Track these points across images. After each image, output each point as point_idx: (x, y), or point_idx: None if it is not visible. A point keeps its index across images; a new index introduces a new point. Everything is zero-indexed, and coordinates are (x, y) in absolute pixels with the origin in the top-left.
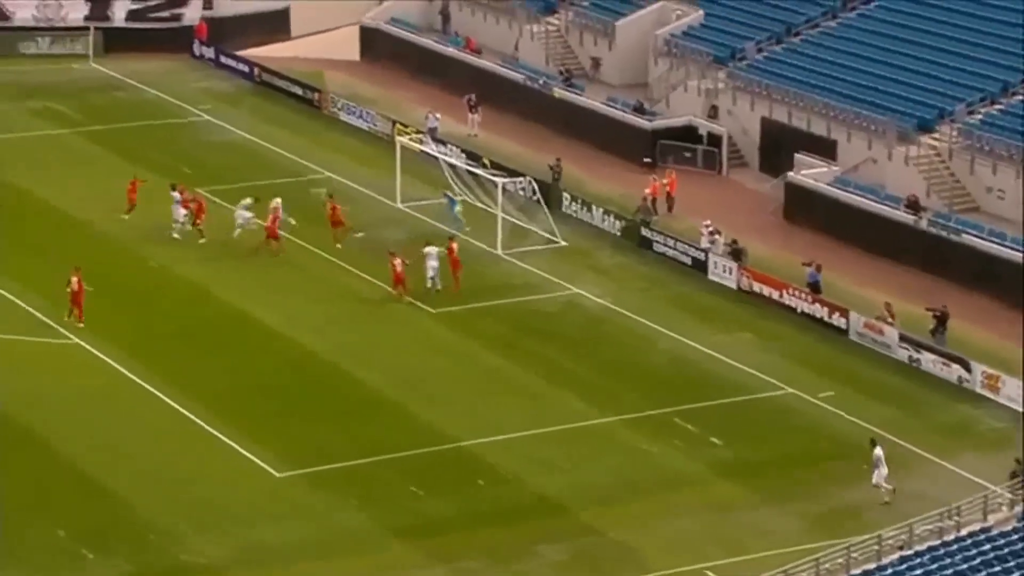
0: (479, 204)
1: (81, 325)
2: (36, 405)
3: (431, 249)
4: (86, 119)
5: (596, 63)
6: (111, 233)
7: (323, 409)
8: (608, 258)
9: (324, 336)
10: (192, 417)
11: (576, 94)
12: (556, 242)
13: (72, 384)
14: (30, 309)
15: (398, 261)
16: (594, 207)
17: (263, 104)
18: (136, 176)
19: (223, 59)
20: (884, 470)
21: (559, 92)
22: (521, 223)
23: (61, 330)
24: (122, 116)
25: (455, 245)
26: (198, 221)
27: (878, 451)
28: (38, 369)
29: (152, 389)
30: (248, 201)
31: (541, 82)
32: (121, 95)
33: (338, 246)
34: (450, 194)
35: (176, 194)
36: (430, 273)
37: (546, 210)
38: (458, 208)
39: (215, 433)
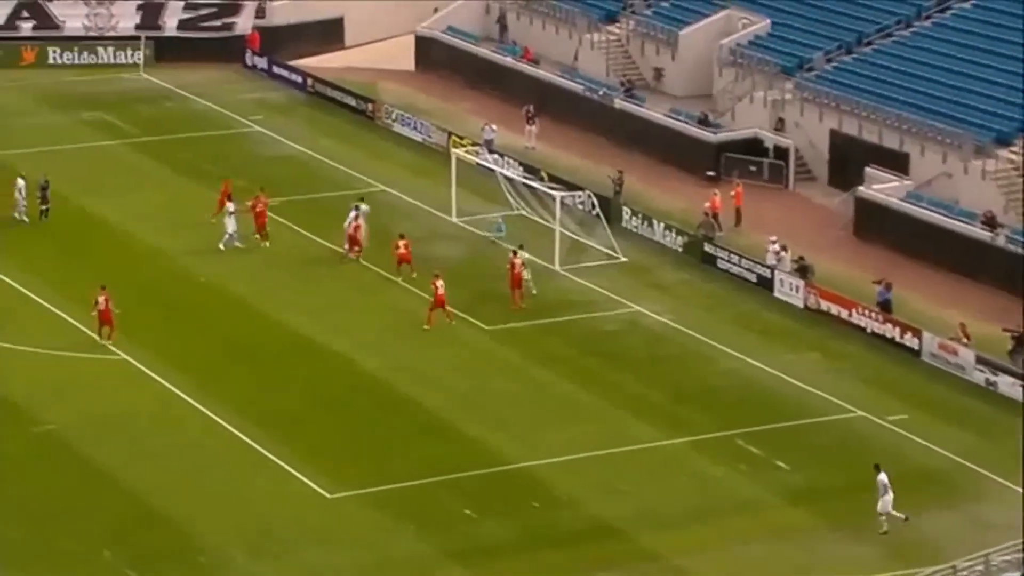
0: (536, 218)
1: (110, 342)
2: (83, 424)
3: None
4: (136, 130)
5: (658, 73)
6: (161, 247)
7: (377, 429)
8: (670, 275)
9: (379, 354)
10: (242, 436)
11: (638, 105)
12: (616, 258)
13: (120, 402)
14: (77, 324)
15: (440, 283)
16: (655, 222)
17: (316, 115)
18: (226, 179)
19: (275, 69)
20: (890, 496)
21: (620, 103)
22: (580, 238)
23: (109, 346)
24: (173, 127)
25: (518, 260)
26: (261, 228)
27: (882, 477)
28: (86, 387)
29: (202, 407)
30: (364, 208)
31: (601, 93)
32: (172, 106)
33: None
34: (501, 223)
35: (231, 205)
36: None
37: (606, 225)
38: (502, 232)
39: (266, 453)
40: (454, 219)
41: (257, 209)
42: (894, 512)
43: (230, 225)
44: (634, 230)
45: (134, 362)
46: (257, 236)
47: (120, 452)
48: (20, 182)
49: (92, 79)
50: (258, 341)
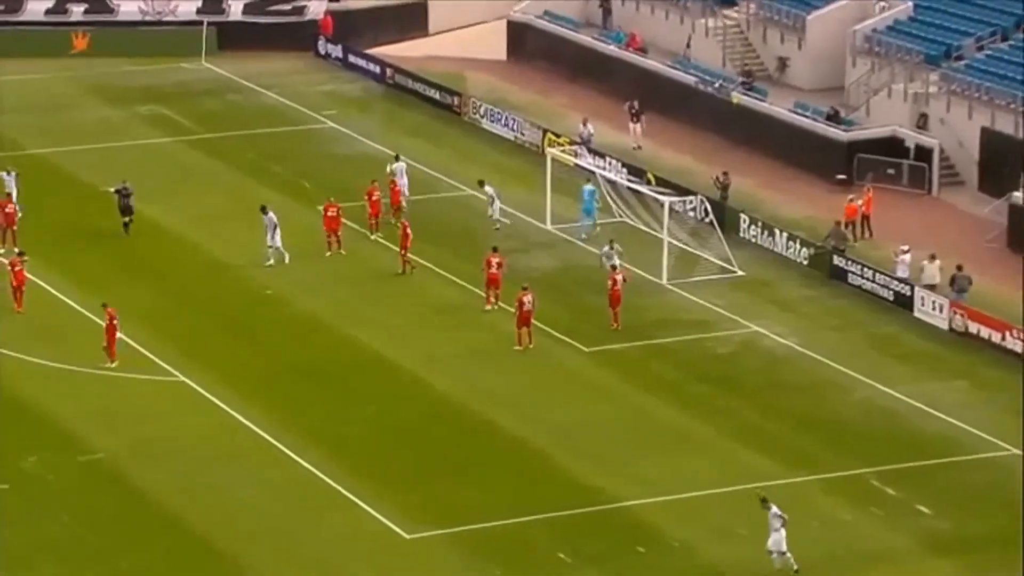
0: (642, 227)
1: (113, 364)
2: (135, 451)
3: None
4: (196, 126)
5: (783, 63)
6: (223, 257)
7: (460, 461)
8: (794, 291)
9: (463, 377)
10: (310, 467)
11: (758, 100)
12: (732, 272)
13: (176, 428)
14: (130, 341)
15: (528, 298)
16: (777, 231)
17: (395, 110)
18: (330, 200)
19: (351, 58)
20: (783, 534)
21: (738, 97)
22: (691, 249)
23: (165, 366)
24: (236, 123)
25: (618, 276)
26: (333, 237)
27: (775, 510)
28: (139, 411)
29: (265, 434)
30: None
31: (717, 85)
32: (236, 99)
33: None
34: (592, 187)
35: (272, 216)
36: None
37: (720, 234)
38: (596, 205)
39: (336, 486)
40: (549, 227)
41: (329, 214)
42: (788, 554)
43: (276, 239)
44: (752, 240)
45: (191, 384)
46: (332, 244)
47: (175, 483)
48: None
49: (149, 69)
50: (328, 361)
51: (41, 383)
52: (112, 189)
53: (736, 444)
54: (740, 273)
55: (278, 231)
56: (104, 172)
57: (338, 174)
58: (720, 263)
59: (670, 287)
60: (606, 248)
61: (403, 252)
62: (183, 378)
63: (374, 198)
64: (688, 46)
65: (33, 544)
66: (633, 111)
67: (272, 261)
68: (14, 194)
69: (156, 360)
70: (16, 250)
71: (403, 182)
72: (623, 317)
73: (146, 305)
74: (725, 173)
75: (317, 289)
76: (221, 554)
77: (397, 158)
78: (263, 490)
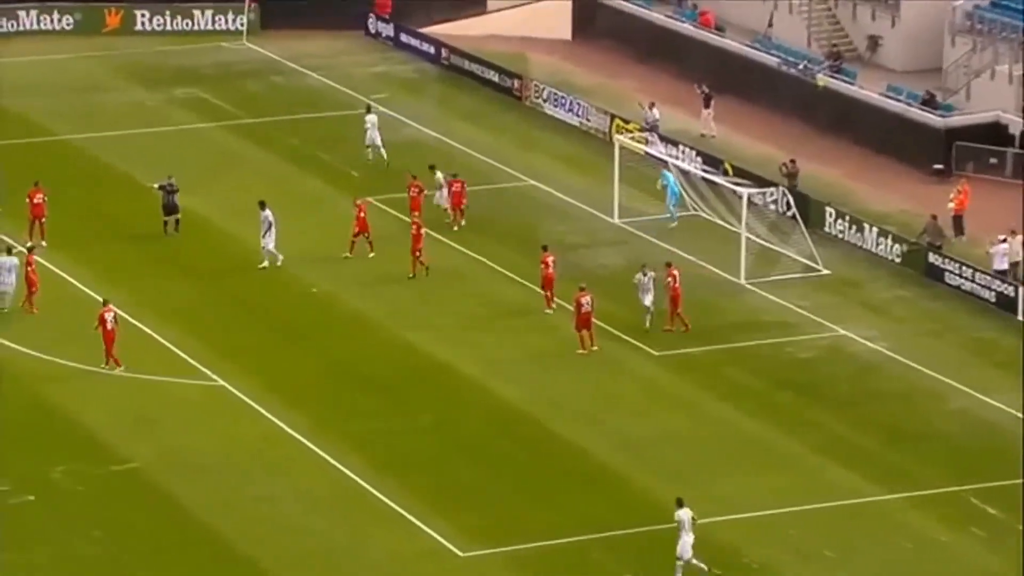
0: (718, 221)
1: (121, 369)
2: (171, 462)
3: (643, 277)
4: (237, 110)
5: (874, 43)
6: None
7: (520, 475)
8: (884, 291)
9: (522, 383)
10: (358, 480)
11: (847, 82)
12: (816, 270)
13: (215, 436)
14: (165, 342)
15: (587, 299)
16: (867, 226)
17: (451, 93)
18: (359, 199)
19: (404, 38)
20: (690, 539)
21: (824, 80)
22: (772, 245)
23: (203, 369)
24: (280, 107)
25: (676, 272)
26: (355, 237)
27: (681, 514)
28: (176, 418)
29: (311, 444)
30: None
31: (801, 67)
32: (279, 81)
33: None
34: (670, 175)
35: (268, 213)
36: (646, 303)
37: (803, 229)
38: (675, 192)
39: (386, 500)
40: (616, 220)
41: (412, 194)
42: (696, 561)
43: (269, 240)
44: (839, 236)
45: (232, 389)
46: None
47: (214, 496)
48: None
49: (186, 49)
50: (379, 366)
51: (70, 387)
52: (156, 185)
53: (821, 458)
54: (825, 272)
55: (273, 230)
56: (137, 159)
57: (389, 161)
58: (803, 261)
59: (748, 286)
60: (639, 276)
61: (414, 254)
62: (222, 382)
63: (413, 194)
64: (770, 24)
65: (62, 562)
66: (705, 95)
67: (266, 263)
68: None
69: (193, 362)
70: (29, 244)
71: (374, 135)
72: (695, 319)
73: (182, 303)
74: (792, 160)
75: (368, 288)
76: (260, 568)
77: (369, 109)
78: (308, 505)
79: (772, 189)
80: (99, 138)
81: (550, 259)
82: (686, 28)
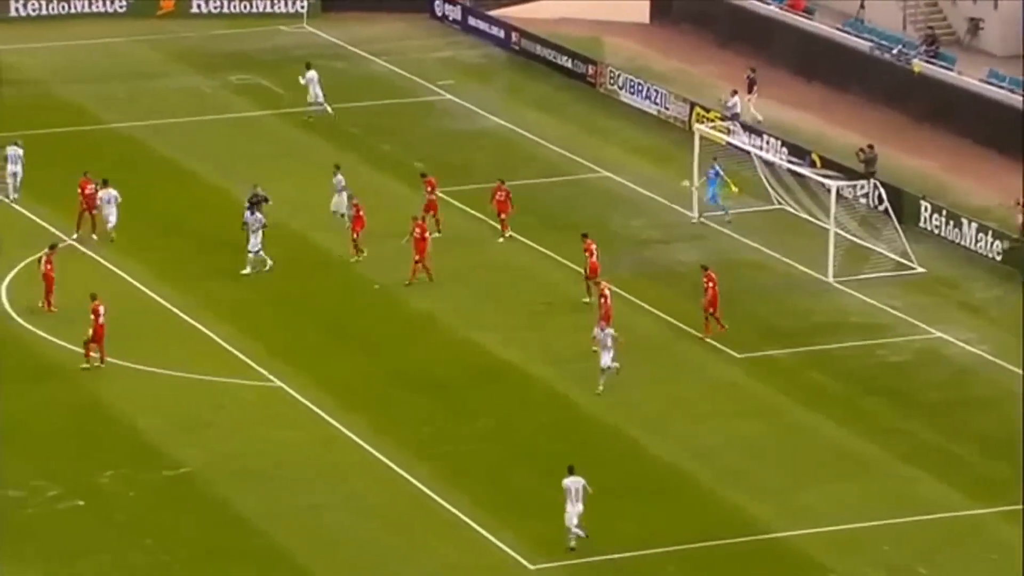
0: (804, 215)
1: (103, 366)
2: (225, 466)
3: (601, 332)
4: (296, 98)
5: (974, 26)
6: (323, 246)
7: (590, 483)
8: (983, 291)
9: (591, 386)
10: (423, 488)
11: (945, 69)
12: (910, 268)
13: (271, 440)
14: (219, 340)
15: (609, 291)
16: (965, 222)
17: (521, 80)
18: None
19: (472, 21)
20: (580, 508)
21: (920, 66)
22: (862, 241)
23: (259, 369)
24: (341, 94)
25: (714, 275)
26: (355, 235)
27: (568, 482)
28: (231, 420)
29: (372, 449)
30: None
31: (896, 52)
32: (340, 66)
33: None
34: (719, 168)
35: (260, 216)
36: (603, 363)
37: (896, 224)
38: (717, 188)
39: (450, 509)
40: (695, 215)
41: (499, 198)
42: (577, 529)
43: (253, 241)
44: (935, 232)
45: (289, 390)
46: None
47: (268, 503)
48: (12, 150)
49: (243, 32)
50: (442, 367)
51: (121, 387)
52: (246, 201)
53: (912, 469)
54: (919, 270)
55: (261, 233)
56: (191, 148)
57: (455, 152)
58: (896, 258)
59: (836, 285)
60: (597, 331)
61: (417, 259)
62: (278, 383)
63: (499, 197)
64: (862, 6)
65: (111, 571)
66: (749, 78)
67: (248, 269)
68: (18, 175)
69: (248, 362)
70: (75, 235)
71: (317, 91)
72: (779, 319)
73: (237, 300)
74: (870, 146)
75: (431, 285)
76: None
77: (308, 67)
78: (365, 512)
79: (863, 182)
80: (151, 126)
81: (593, 247)
82: (772, 11)
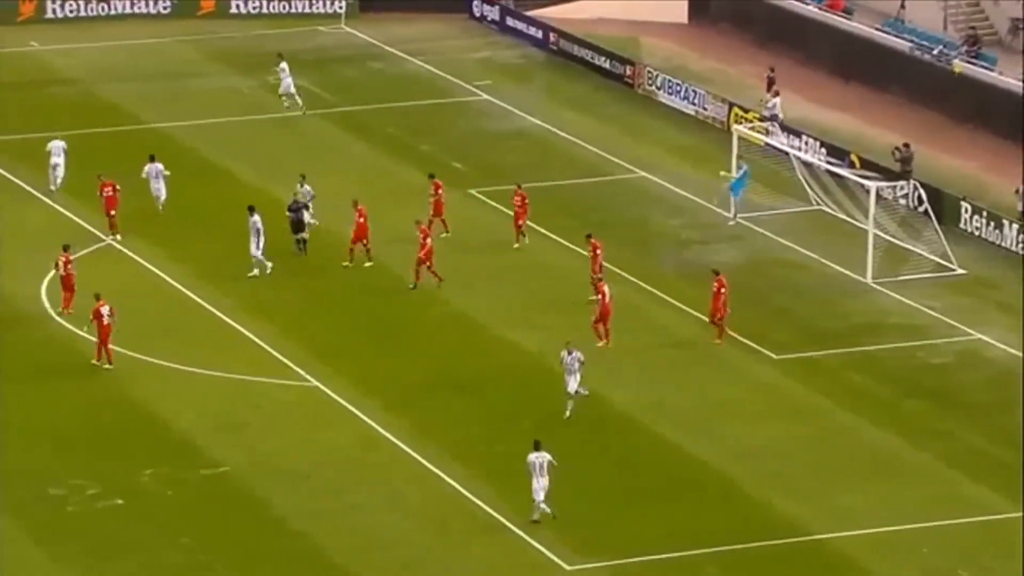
0: (843, 216)
1: (110, 367)
2: (264, 466)
3: (568, 356)
4: (333, 97)
5: (1016, 26)
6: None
7: (628, 484)
8: None
9: (636, 390)
10: (459, 488)
11: (986, 69)
12: (950, 269)
13: (309, 440)
14: (258, 341)
15: (607, 288)
16: (1006, 223)
17: (558, 80)
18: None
19: (509, 21)
20: (545, 482)
21: (961, 66)
22: (901, 242)
23: (297, 369)
24: (378, 94)
25: (725, 281)
26: (354, 244)
27: (534, 457)
28: (269, 420)
29: (411, 451)
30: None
31: (936, 52)
32: (378, 67)
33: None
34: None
35: (257, 219)
36: (570, 388)
37: (936, 226)
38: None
39: (488, 510)
40: (732, 216)
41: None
42: (544, 505)
43: (257, 246)
44: (976, 233)
45: (328, 391)
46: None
47: (307, 503)
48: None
49: (282, 32)
50: (482, 368)
51: (160, 386)
52: (287, 209)
53: (954, 471)
54: (960, 271)
55: (262, 238)
56: (230, 148)
57: (493, 153)
58: (936, 259)
59: (875, 286)
60: (564, 354)
61: (421, 263)
62: (316, 383)
63: (515, 202)
64: (902, 6)
65: (150, 570)
66: (769, 78)
67: (256, 272)
68: (59, 167)
69: (287, 362)
70: (117, 236)
71: (288, 83)
72: (818, 320)
73: (276, 300)
74: (906, 144)
75: (470, 286)
76: None
77: (281, 57)
78: (404, 513)
79: (902, 183)
80: (191, 126)
81: (599, 246)
82: (811, 11)
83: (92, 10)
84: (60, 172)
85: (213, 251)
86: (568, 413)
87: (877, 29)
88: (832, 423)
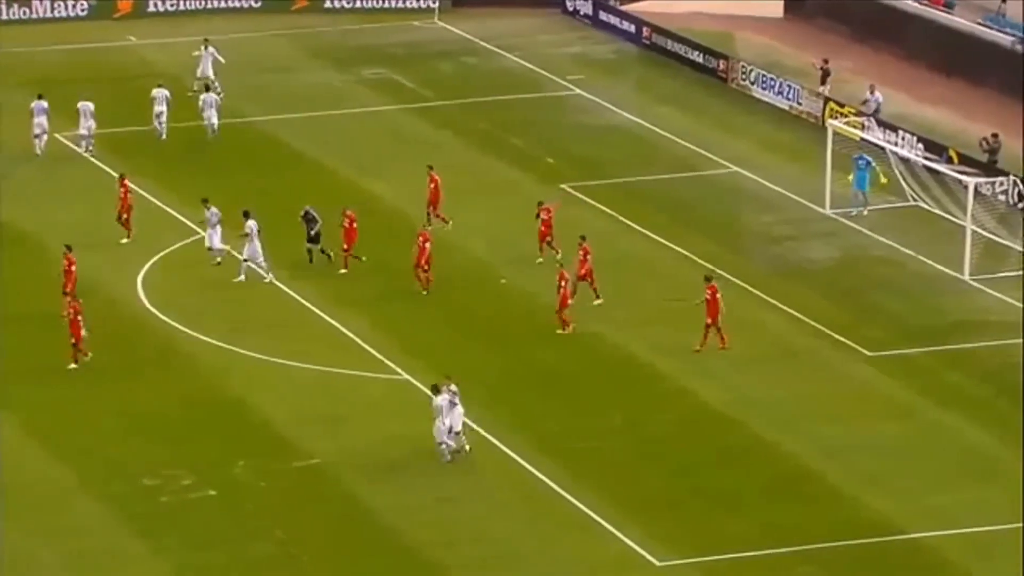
0: (940, 212)
1: (86, 358)
2: (354, 458)
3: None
4: (427, 92)
5: None
6: (451, 240)
7: (719, 481)
8: None
9: (731, 387)
10: (549, 482)
11: None
12: None
13: (399, 433)
14: (350, 334)
15: (567, 279)
16: None
17: (652, 75)
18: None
19: (603, 16)
20: (451, 422)
21: None
22: (1000, 239)
23: (387, 362)
24: (472, 89)
25: (716, 289)
26: (346, 252)
27: (438, 400)
28: (360, 413)
29: (500, 444)
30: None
31: None
32: (471, 61)
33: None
34: (868, 157)
35: (252, 223)
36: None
37: None
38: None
39: (577, 504)
40: (828, 211)
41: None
42: (449, 439)
43: (248, 249)
44: None
45: (420, 385)
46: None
47: (397, 496)
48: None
49: (376, 27)
50: (570, 362)
51: (252, 378)
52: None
53: None
54: None
55: (256, 240)
56: (320, 141)
57: (585, 148)
58: None
59: (973, 283)
60: (433, 398)
61: (419, 267)
62: (409, 378)
63: (543, 217)
64: (1004, 0)
65: (242, 564)
66: (822, 71)
67: (243, 276)
68: (163, 115)
69: (379, 357)
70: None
71: (207, 68)
72: (913, 317)
73: (366, 295)
74: (995, 135)
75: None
76: (442, 572)
77: (206, 43)
78: (493, 507)
79: (1002, 179)
80: (284, 120)
81: (586, 249)
82: (909, 4)
83: (190, 5)
84: (164, 120)
85: (296, 243)
86: (447, 458)
87: (978, 23)
88: (926, 421)
